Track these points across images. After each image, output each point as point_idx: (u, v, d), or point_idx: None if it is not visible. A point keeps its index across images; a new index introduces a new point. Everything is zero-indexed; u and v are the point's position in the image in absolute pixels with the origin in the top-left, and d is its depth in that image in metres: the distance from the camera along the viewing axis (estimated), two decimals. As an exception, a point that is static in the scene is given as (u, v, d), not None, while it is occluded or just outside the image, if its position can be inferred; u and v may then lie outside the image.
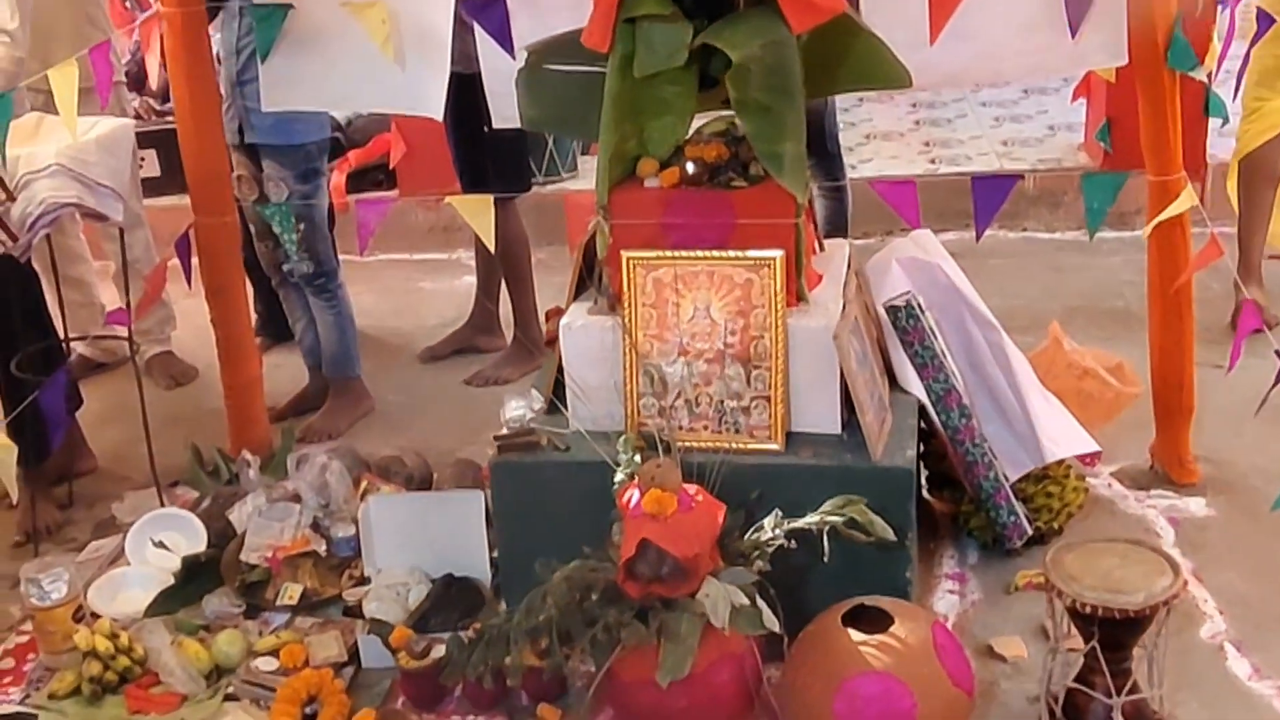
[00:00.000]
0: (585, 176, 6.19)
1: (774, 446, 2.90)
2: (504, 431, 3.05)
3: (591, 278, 3.04)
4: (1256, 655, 2.95)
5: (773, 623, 2.63)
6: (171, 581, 3.39)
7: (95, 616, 3.24)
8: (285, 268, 4.23)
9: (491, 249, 3.52)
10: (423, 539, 3.24)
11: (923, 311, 3.11)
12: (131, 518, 3.82)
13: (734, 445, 2.90)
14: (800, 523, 2.67)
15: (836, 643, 2.61)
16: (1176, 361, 3.52)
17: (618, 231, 2.92)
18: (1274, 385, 2.95)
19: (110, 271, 4.84)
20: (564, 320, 3.01)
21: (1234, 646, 2.99)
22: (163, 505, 3.76)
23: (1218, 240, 3.19)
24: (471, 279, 5.67)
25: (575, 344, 2.98)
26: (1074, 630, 2.67)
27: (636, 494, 2.68)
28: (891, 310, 3.12)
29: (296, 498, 3.62)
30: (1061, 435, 3.21)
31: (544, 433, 3.01)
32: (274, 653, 3.09)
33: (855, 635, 2.61)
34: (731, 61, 2.76)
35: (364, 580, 3.32)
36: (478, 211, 3.50)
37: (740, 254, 2.85)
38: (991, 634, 3.07)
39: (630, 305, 2.90)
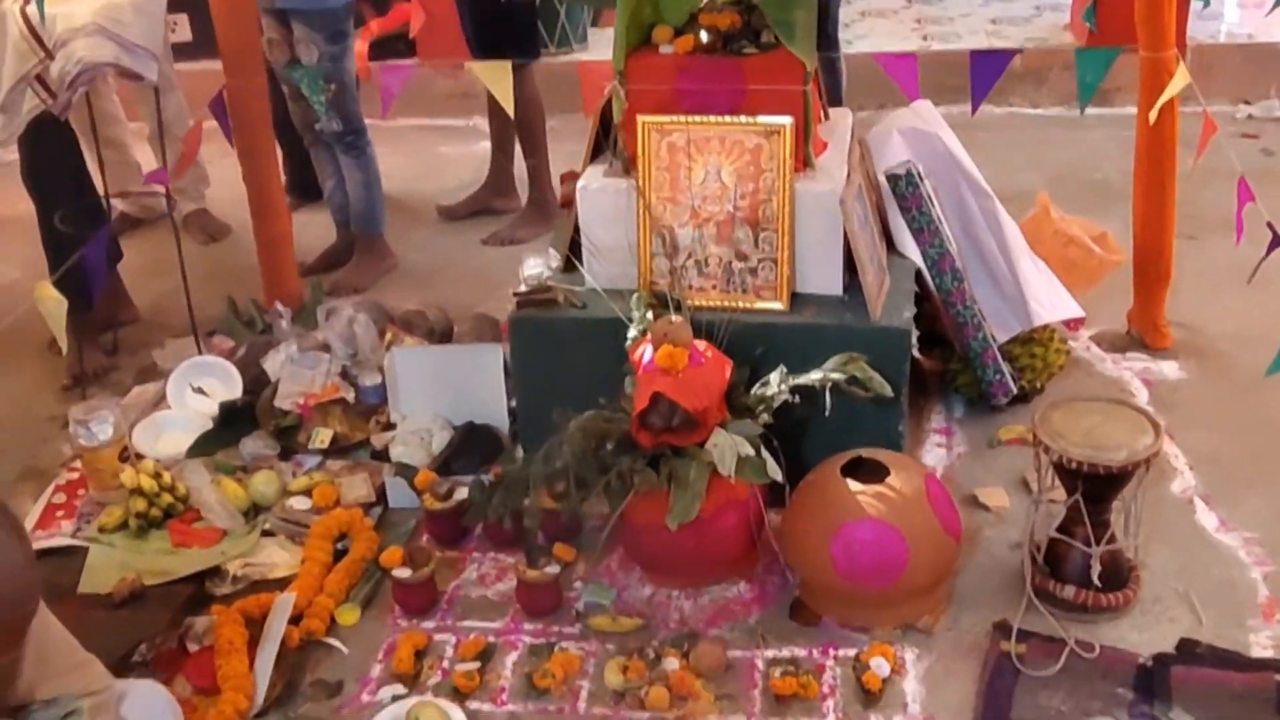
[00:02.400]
0: (596, 47, 5.97)
1: (779, 306, 2.78)
2: (523, 288, 2.93)
3: (607, 142, 2.88)
4: (1223, 509, 2.89)
5: (776, 472, 2.55)
6: (210, 425, 3.31)
7: (139, 457, 3.17)
8: (316, 126, 4.06)
9: (510, 113, 3.35)
10: (445, 388, 3.14)
11: (921, 179, 2.97)
12: (171, 364, 3.73)
13: (740, 305, 2.79)
14: (804, 379, 2.57)
15: (835, 491, 2.53)
16: (1157, 231, 3.39)
17: (633, 96, 2.76)
18: (1266, 255, 2.82)
19: (145, 133, 4.67)
20: (580, 182, 2.86)
21: (1203, 501, 2.92)
22: (201, 353, 3.66)
23: (1211, 118, 3.03)
24: (487, 144, 5.50)
25: (591, 205, 2.85)
26: (1057, 483, 2.60)
27: (649, 349, 2.57)
28: (892, 178, 2.98)
29: (325, 347, 3.52)
30: (1049, 300, 3.10)
31: (561, 290, 2.89)
32: (307, 492, 3.02)
33: (853, 485, 2.53)
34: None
35: (390, 426, 3.24)
36: (497, 77, 3.32)
37: (751, 119, 2.69)
38: (976, 485, 3.00)
39: (644, 168, 2.76)
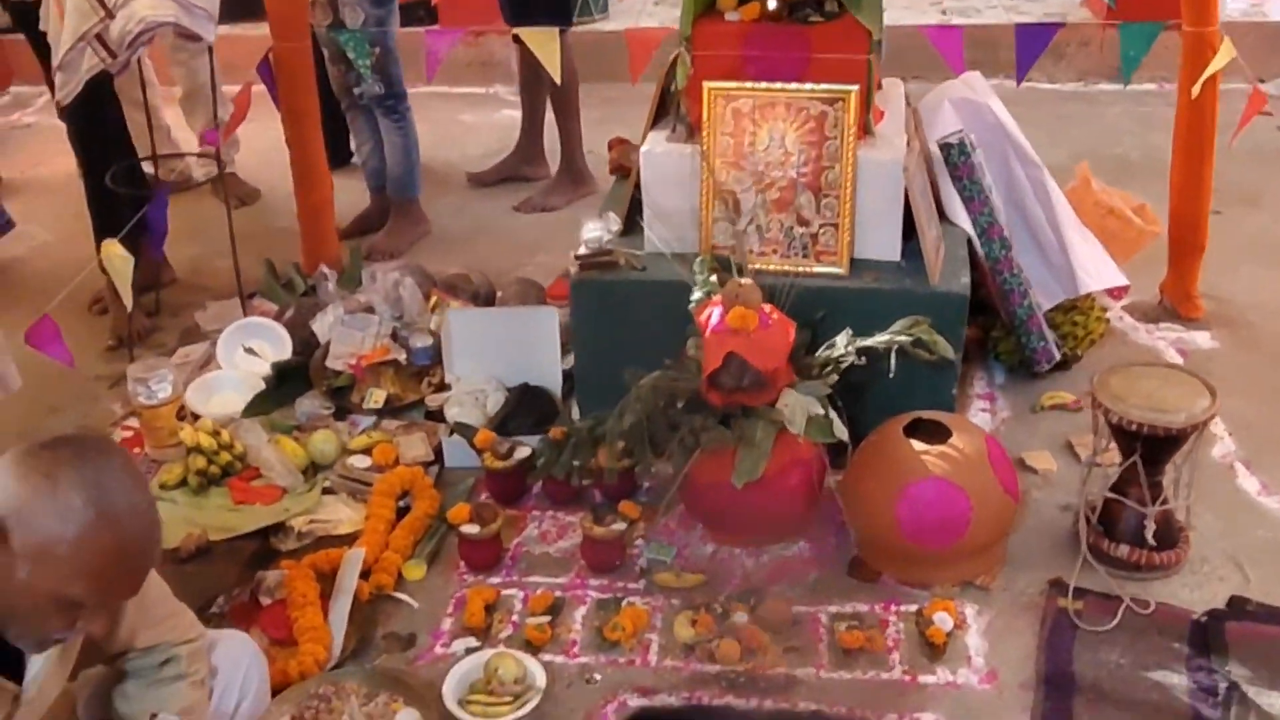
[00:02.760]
0: (616, 18, 5.98)
1: (839, 270, 2.84)
2: (583, 251, 2.97)
3: (670, 107, 2.92)
4: (1264, 473, 2.96)
5: (842, 432, 2.61)
6: (262, 385, 3.34)
7: (195, 416, 3.20)
8: (356, 91, 4.07)
9: (557, 80, 3.38)
10: (498, 350, 3.18)
11: (973, 149, 3.02)
12: (214, 325, 3.75)
13: (801, 269, 2.84)
14: (870, 341, 2.62)
15: (900, 451, 2.59)
16: (1194, 203, 3.46)
17: (698, 62, 2.80)
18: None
19: (175, 96, 4.66)
20: (644, 147, 2.90)
21: (1243, 465, 3.00)
22: (245, 315, 3.68)
23: (1261, 91, 3.08)
24: (510, 112, 5.52)
25: (654, 169, 2.88)
26: (1112, 446, 2.67)
27: (717, 311, 2.61)
28: (944, 147, 3.03)
29: (369, 309, 3.55)
30: (1096, 268, 3.17)
31: (622, 253, 2.93)
32: (367, 451, 3.06)
33: (917, 445, 2.59)
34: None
35: (442, 387, 3.27)
36: (544, 43, 3.35)
37: (817, 87, 2.73)
38: (1021, 448, 3.06)
39: (709, 133, 2.80)
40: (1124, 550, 2.64)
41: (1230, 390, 3.26)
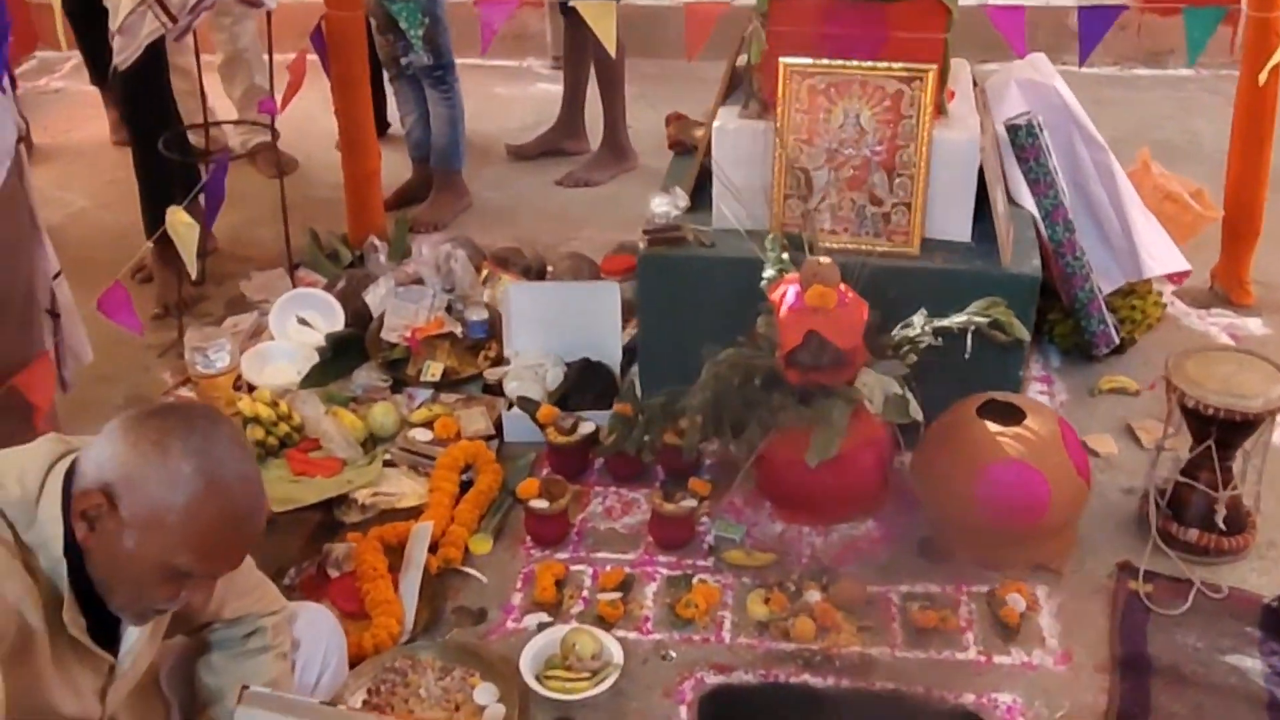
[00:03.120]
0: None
1: (910, 250, 2.82)
2: (651, 226, 2.95)
3: (742, 83, 2.90)
4: (1325, 459, 2.97)
5: (917, 412, 2.60)
6: (315, 356, 3.32)
7: (250, 386, 3.18)
8: (404, 61, 4.04)
9: (613, 53, 3.36)
10: (558, 325, 3.17)
11: (1040, 130, 3.01)
12: (260, 295, 3.73)
13: (871, 248, 2.82)
14: (947, 321, 2.62)
15: (976, 433, 2.59)
16: (1252, 188, 3.46)
17: (773, 38, 2.77)
18: None
19: (215, 63, 4.61)
20: (716, 123, 2.88)
21: (1304, 451, 3.01)
22: (294, 285, 3.66)
23: None
24: (545, 86, 5.49)
25: (726, 146, 2.86)
26: (1181, 430, 2.67)
27: (793, 289, 2.61)
28: (1012, 129, 3.02)
29: (420, 281, 3.53)
30: (1160, 252, 3.17)
31: (690, 229, 2.92)
32: (427, 424, 3.05)
33: (992, 426, 2.59)
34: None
35: (498, 361, 3.26)
36: (601, 15, 3.32)
37: (894, 65, 2.71)
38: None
39: (783, 110, 2.78)
40: (1193, 534, 2.64)
41: (1287, 377, 3.30)
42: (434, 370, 3.22)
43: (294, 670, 2.11)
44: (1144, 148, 3.60)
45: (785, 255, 2.75)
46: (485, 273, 3.59)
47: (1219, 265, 3.62)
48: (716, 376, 2.56)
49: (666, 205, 2.97)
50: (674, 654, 2.46)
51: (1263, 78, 3.13)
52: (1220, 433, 2.55)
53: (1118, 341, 3.21)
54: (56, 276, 2.65)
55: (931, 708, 2.34)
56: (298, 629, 2.14)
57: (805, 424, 2.57)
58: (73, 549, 1.66)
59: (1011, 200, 3.08)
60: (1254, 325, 3.54)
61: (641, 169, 4.60)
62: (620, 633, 2.49)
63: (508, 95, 5.46)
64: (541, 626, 2.52)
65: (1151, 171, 3.44)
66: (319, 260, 3.83)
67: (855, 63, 2.73)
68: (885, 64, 2.72)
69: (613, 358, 3.18)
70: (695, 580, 2.63)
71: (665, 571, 2.68)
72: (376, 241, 3.68)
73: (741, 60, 3.04)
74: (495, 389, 3.19)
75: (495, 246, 3.79)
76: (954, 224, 2.84)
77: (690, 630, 2.52)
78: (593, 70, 4.48)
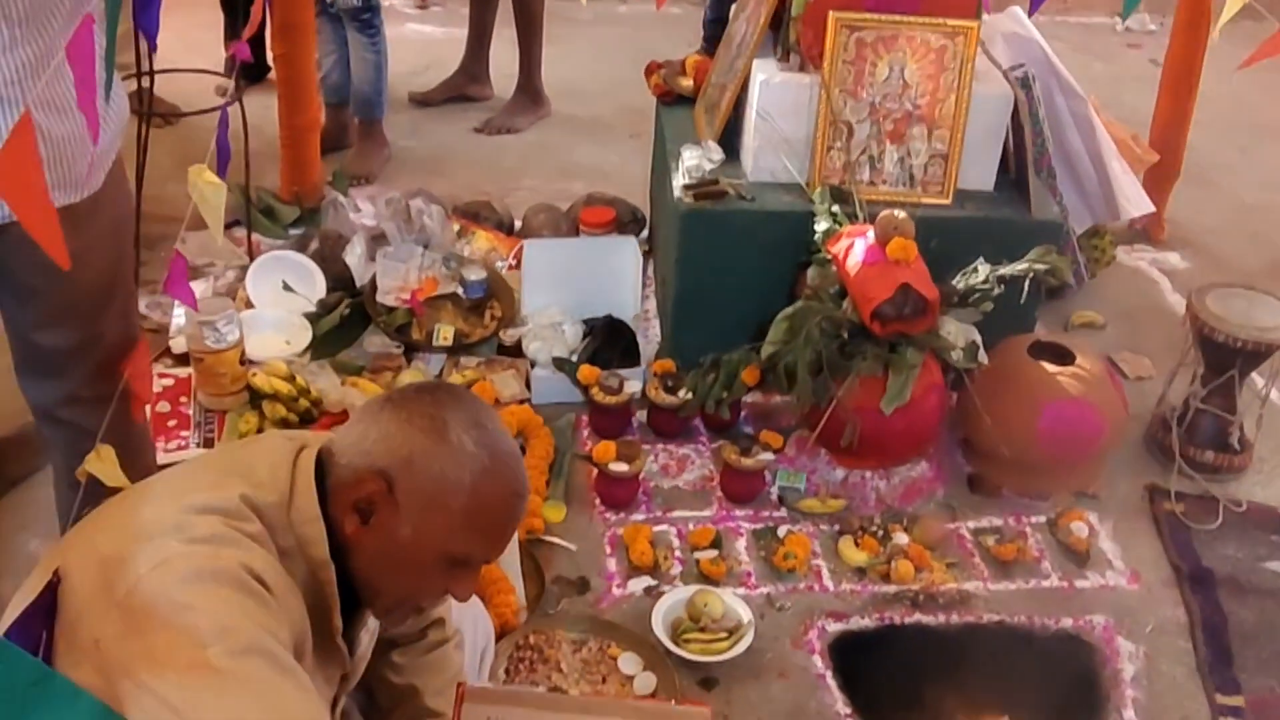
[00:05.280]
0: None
1: (945, 201, 2.95)
2: (685, 180, 2.95)
3: (779, 35, 2.93)
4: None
5: (984, 357, 2.75)
6: (304, 324, 3.14)
7: (249, 360, 2.97)
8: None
9: None
10: (574, 282, 3.12)
11: (1034, 82, 3.20)
12: (202, 259, 3.47)
13: (908, 199, 2.93)
14: (1008, 269, 2.76)
15: (1034, 373, 2.76)
16: (1177, 133, 3.79)
17: (819, -8, 2.81)
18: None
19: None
20: (761, 77, 2.89)
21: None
22: (245, 247, 3.42)
23: None
24: (415, 26, 5.30)
25: (770, 98, 2.88)
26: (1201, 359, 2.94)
27: (860, 243, 2.68)
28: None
29: (381, 236, 3.38)
30: (1134, 195, 3.43)
31: (728, 183, 2.94)
32: (463, 390, 2.95)
33: (1050, 367, 2.77)
34: None
35: (505, 321, 3.19)
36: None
37: (940, 20, 2.81)
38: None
39: (830, 62, 2.83)
40: (1209, 455, 2.93)
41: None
42: (445, 334, 3.11)
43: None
44: (1092, 96, 3.86)
45: (835, 207, 2.82)
46: (458, 227, 3.48)
47: (1141, 204, 3.96)
48: (814, 331, 2.61)
49: (698, 158, 2.97)
50: (788, 605, 2.54)
51: (1215, 34, 3.42)
52: (1244, 362, 2.84)
53: (1087, 278, 3.47)
54: None
55: (1039, 635, 2.52)
56: (455, 615, 2.08)
57: (876, 373, 2.67)
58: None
59: (1005, 148, 3.28)
60: (1174, 259, 3.90)
61: (556, 114, 4.54)
62: (728, 589, 2.54)
63: (399, 36, 5.20)
64: (648, 591, 2.53)
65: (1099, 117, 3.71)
66: (256, 219, 3.59)
67: (905, 17, 2.81)
68: (931, 19, 2.82)
69: (629, 313, 3.17)
70: (782, 532, 2.70)
71: (747, 525, 2.73)
72: (341, 198, 3.48)
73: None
74: (510, 350, 3.11)
75: (460, 200, 3.66)
76: (980, 174, 2.99)
77: (793, 580, 2.59)
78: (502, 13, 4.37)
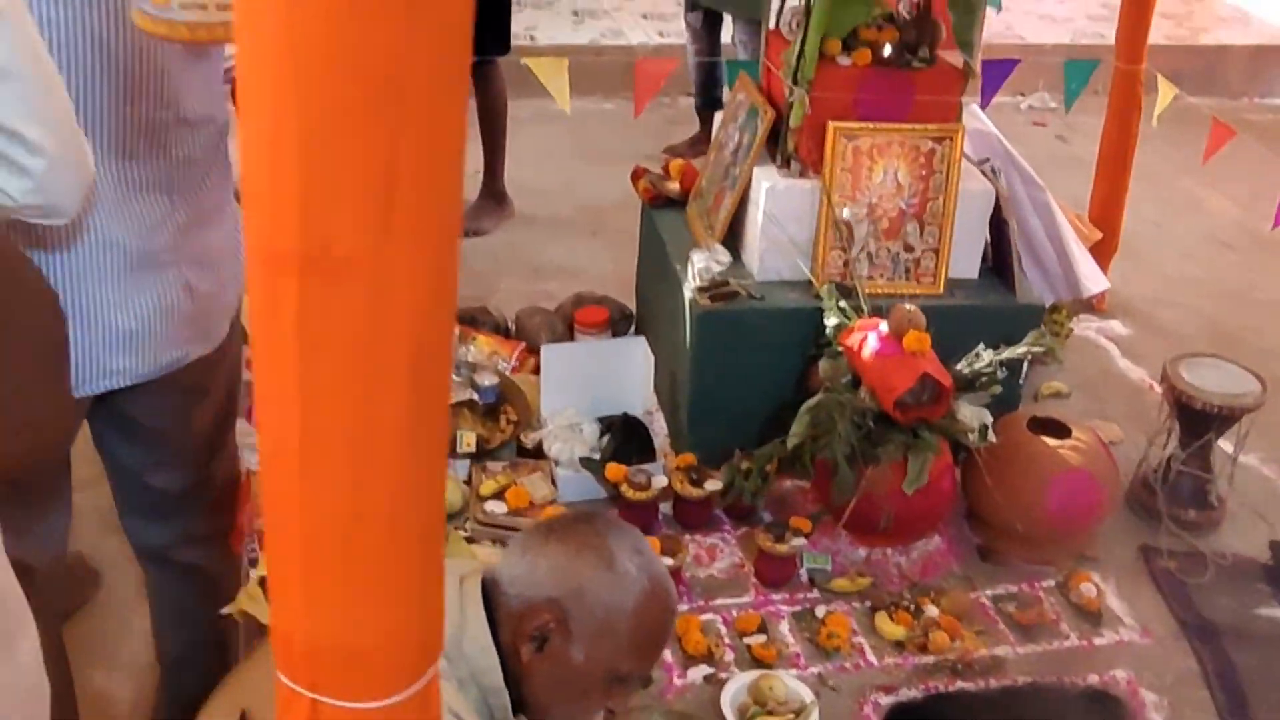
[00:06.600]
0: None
1: (938, 290, 3.20)
2: (697, 283, 3.14)
3: (779, 145, 3.15)
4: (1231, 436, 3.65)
5: (993, 436, 2.98)
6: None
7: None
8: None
9: (567, 109, 3.50)
10: (588, 383, 3.27)
11: (999, 174, 3.49)
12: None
13: (904, 291, 3.17)
14: (1008, 353, 3.01)
15: (1038, 448, 3.00)
16: (1115, 207, 4.14)
17: (816, 104, 3.05)
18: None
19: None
20: (766, 184, 3.11)
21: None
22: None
23: (1223, 124, 3.74)
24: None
25: (776, 203, 3.10)
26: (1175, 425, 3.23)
27: (873, 336, 2.90)
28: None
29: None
30: (1092, 273, 3.74)
31: (738, 284, 3.14)
32: (496, 496, 3.06)
33: (1051, 441, 3.02)
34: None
35: (518, 424, 3.31)
36: (553, 74, 3.47)
37: (928, 126, 3.08)
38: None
39: (830, 168, 3.06)
40: (1191, 513, 3.21)
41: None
42: (468, 440, 3.22)
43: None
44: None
45: (842, 303, 3.05)
46: (458, 333, 3.61)
47: (1081, 278, 4.29)
48: (841, 424, 2.81)
49: (706, 260, 3.17)
50: (839, 683, 2.71)
51: (1155, 121, 3.78)
52: (1219, 426, 3.13)
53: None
54: None
55: (1071, 693, 2.73)
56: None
57: (903, 457, 2.88)
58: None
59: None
60: (1118, 327, 4.23)
61: (518, 214, 4.70)
62: (779, 671, 2.70)
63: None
64: (707, 678, 2.68)
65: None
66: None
67: (895, 124, 3.07)
68: (920, 125, 3.08)
69: (640, 410, 3.33)
70: (820, 612, 2.88)
71: (785, 608, 2.90)
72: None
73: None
74: (531, 452, 3.24)
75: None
76: (966, 263, 3.24)
77: (839, 658, 2.76)
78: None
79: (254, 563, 2.43)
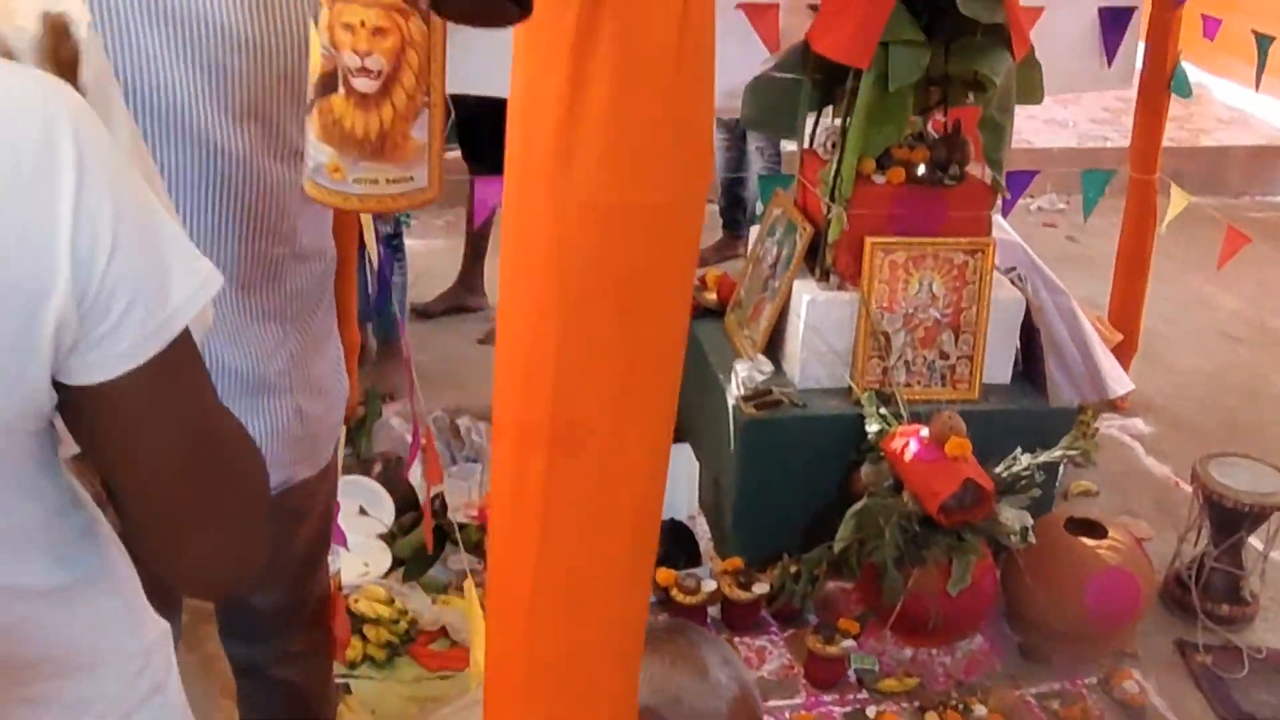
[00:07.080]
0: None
1: (972, 396, 3.33)
2: (741, 392, 3.27)
3: (817, 259, 3.31)
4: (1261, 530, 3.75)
5: (1033, 537, 3.09)
6: (380, 546, 3.33)
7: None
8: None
9: None
10: (635, 489, 3.39)
11: (1025, 281, 3.65)
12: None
13: (940, 397, 3.31)
14: (1045, 456, 3.13)
15: (1076, 548, 3.12)
16: (1133, 310, 4.29)
17: (854, 220, 3.21)
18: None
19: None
20: (807, 297, 3.26)
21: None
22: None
23: (1238, 231, 3.90)
24: (440, 240, 5.61)
25: (817, 315, 3.25)
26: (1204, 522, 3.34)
27: (914, 441, 3.03)
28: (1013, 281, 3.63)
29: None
30: (1117, 375, 3.88)
31: (780, 392, 3.27)
32: (552, 601, 3.16)
33: (1088, 541, 3.13)
34: (949, 78, 3.16)
35: (568, 529, 3.43)
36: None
37: (961, 239, 3.24)
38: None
39: (867, 281, 3.22)
40: (1225, 608, 3.31)
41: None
42: (520, 546, 3.33)
43: None
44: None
45: (883, 409, 3.18)
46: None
47: (1103, 377, 4.43)
48: (890, 529, 2.92)
49: (750, 370, 3.31)
50: (894, 783, 2.79)
51: (1162, 229, 3.95)
52: (1250, 524, 3.24)
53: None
54: None
55: (1120, 789, 2.81)
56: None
57: (946, 559, 2.99)
58: None
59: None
60: (1140, 425, 4.36)
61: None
62: (837, 773, 2.78)
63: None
64: (767, 781, 2.76)
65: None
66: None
67: (928, 239, 3.23)
68: (953, 239, 3.24)
69: (683, 516, 3.45)
70: (871, 712, 2.96)
71: (837, 709, 2.98)
72: (393, 420, 3.71)
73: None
74: (582, 557, 3.35)
75: (478, 410, 3.92)
76: (999, 368, 3.38)
77: (894, 759, 2.85)
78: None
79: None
